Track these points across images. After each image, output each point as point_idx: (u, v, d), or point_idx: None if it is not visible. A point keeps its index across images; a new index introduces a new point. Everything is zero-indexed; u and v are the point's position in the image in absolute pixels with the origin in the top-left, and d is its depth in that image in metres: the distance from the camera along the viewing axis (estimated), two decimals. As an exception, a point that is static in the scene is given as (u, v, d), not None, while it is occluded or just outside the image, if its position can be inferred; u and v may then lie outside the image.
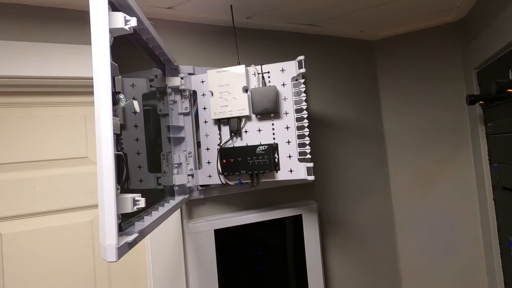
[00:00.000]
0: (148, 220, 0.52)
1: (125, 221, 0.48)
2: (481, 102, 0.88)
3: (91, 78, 0.77)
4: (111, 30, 0.40)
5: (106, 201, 0.36)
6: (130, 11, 0.47)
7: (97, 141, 0.38)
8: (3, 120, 0.76)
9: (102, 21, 0.38)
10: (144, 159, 0.78)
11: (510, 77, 0.74)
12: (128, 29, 0.42)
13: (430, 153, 1.10)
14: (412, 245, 1.13)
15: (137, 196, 0.41)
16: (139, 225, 0.48)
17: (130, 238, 0.40)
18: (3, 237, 0.75)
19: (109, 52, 0.38)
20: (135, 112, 0.77)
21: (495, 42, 0.79)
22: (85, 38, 0.76)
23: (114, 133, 0.38)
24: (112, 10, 0.42)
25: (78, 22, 0.77)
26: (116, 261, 0.36)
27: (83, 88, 0.81)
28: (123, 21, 0.42)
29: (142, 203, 0.41)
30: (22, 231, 0.76)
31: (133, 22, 0.43)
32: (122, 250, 0.38)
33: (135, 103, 0.48)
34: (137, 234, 0.42)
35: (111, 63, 0.38)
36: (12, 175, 0.76)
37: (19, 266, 0.75)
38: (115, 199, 0.36)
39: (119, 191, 0.40)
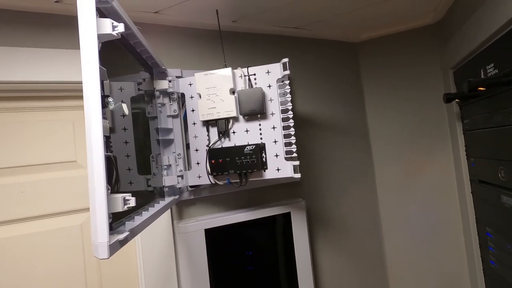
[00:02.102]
0: (138, 220, 0.53)
1: (116, 221, 0.49)
2: (457, 100, 0.93)
3: (79, 82, 0.78)
4: (99, 36, 0.41)
5: (97, 200, 0.38)
6: (117, 17, 0.49)
7: (87, 143, 0.39)
8: (-11, 125, 0.76)
9: (90, 28, 0.39)
10: (134, 161, 0.78)
11: (482, 76, 0.79)
12: (115, 34, 0.44)
13: (413, 148, 1.15)
14: (396, 236, 1.17)
15: (128, 196, 0.43)
16: (129, 225, 0.50)
17: (121, 236, 0.41)
18: (-9, 243, 0.74)
19: (97, 57, 0.39)
20: (123, 115, 0.78)
21: (467, 44, 0.84)
22: (72, 42, 0.76)
23: (104, 135, 0.39)
24: (100, 17, 0.44)
25: (65, 27, 0.77)
26: (107, 258, 0.37)
27: (71, 92, 0.81)
28: (111, 27, 0.43)
29: (132, 202, 0.43)
30: (10, 237, 0.76)
31: (120, 28, 0.44)
32: (114, 247, 0.39)
33: (124, 106, 0.49)
34: (128, 233, 0.44)
35: (99, 67, 0.39)
36: (-1, 181, 0.76)
37: (9, 272, 0.75)
38: (106, 198, 0.38)
39: (109, 191, 0.41)
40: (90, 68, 0.39)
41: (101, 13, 0.46)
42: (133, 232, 0.47)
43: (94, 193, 0.38)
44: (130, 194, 0.43)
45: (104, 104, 0.42)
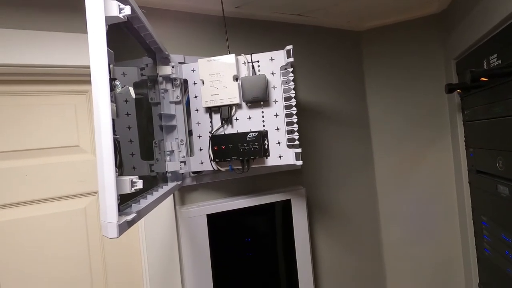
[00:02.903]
0: (144, 202, 0.54)
1: (122, 203, 0.50)
2: (458, 90, 0.93)
3: (83, 67, 0.79)
4: (106, 19, 0.41)
5: (106, 182, 0.39)
6: (123, 0, 0.48)
7: (95, 125, 0.40)
8: (-7, 108, 0.76)
9: (98, 10, 0.39)
10: (137, 146, 0.79)
11: (485, 66, 0.79)
12: (122, 17, 0.44)
13: (412, 138, 1.16)
14: (394, 224, 1.20)
15: (135, 178, 0.44)
16: (136, 207, 0.51)
17: (129, 217, 0.42)
18: (-3, 225, 0.75)
19: (105, 39, 0.39)
20: (126, 100, 0.78)
21: (471, 34, 0.84)
22: (76, 26, 0.76)
23: (112, 118, 0.40)
24: (106, -1, 0.43)
25: (69, 10, 0.76)
26: (117, 237, 0.39)
27: (73, 76, 0.81)
28: (118, 10, 0.43)
29: (139, 184, 0.44)
30: (14, 219, 0.77)
31: (127, 10, 0.44)
32: (122, 227, 0.40)
33: (131, 89, 0.50)
34: (135, 214, 0.45)
35: (107, 50, 0.39)
36: (4, 164, 0.76)
37: (12, 254, 0.76)
38: (115, 179, 0.39)
39: (117, 173, 0.42)
40: (98, 50, 0.39)
41: (107, -5, 0.46)
42: (140, 214, 0.48)
43: (103, 175, 0.39)
44: (137, 176, 0.44)
45: (112, 87, 0.42)
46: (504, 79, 0.69)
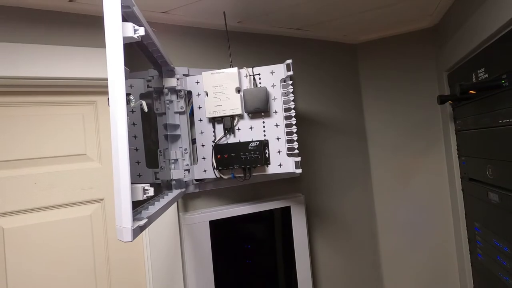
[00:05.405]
0: (152, 209, 0.57)
1: (133, 210, 0.53)
2: (450, 102, 0.98)
3: (91, 79, 0.82)
4: (123, 39, 0.45)
5: (122, 189, 0.42)
6: (136, 21, 0.52)
7: (112, 137, 0.43)
8: (4, 118, 0.79)
9: (116, 32, 0.43)
10: (142, 155, 0.83)
11: (474, 79, 0.84)
12: (137, 37, 0.48)
13: (407, 148, 1.20)
14: (390, 231, 1.23)
15: (147, 186, 0.47)
16: (145, 213, 0.54)
17: (141, 222, 0.45)
18: (5, 232, 0.78)
19: (123, 59, 0.43)
20: (133, 111, 0.82)
21: (461, 49, 0.89)
22: (84, 40, 0.80)
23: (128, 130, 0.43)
24: (122, 21, 0.47)
25: (78, 25, 0.80)
26: (131, 241, 0.42)
27: (82, 88, 0.85)
28: (133, 31, 0.47)
29: (151, 192, 0.47)
30: (23, 226, 0.79)
31: (141, 31, 0.48)
32: (136, 232, 0.43)
33: (144, 104, 0.53)
34: (147, 220, 0.48)
35: (124, 68, 0.43)
36: (13, 172, 0.79)
37: (21, 259, 0.78)
38: (130, 187, 0.42)
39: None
40: (116, 69, 0.42)
41: (123, 17, 0.50)
42: (150, 219, 0.51)
43: (120, 183, 0.42)
44: (149, 184, 0.47)
45: (126, 102, 0.46)
46: (490, 92, 0.74)
